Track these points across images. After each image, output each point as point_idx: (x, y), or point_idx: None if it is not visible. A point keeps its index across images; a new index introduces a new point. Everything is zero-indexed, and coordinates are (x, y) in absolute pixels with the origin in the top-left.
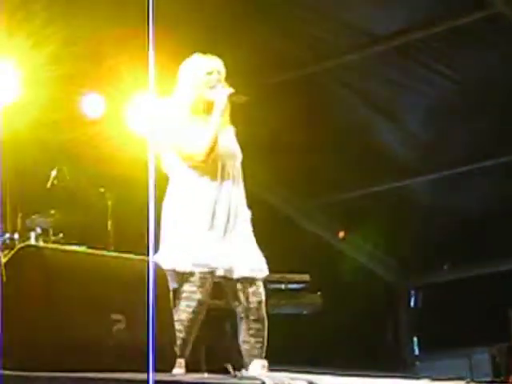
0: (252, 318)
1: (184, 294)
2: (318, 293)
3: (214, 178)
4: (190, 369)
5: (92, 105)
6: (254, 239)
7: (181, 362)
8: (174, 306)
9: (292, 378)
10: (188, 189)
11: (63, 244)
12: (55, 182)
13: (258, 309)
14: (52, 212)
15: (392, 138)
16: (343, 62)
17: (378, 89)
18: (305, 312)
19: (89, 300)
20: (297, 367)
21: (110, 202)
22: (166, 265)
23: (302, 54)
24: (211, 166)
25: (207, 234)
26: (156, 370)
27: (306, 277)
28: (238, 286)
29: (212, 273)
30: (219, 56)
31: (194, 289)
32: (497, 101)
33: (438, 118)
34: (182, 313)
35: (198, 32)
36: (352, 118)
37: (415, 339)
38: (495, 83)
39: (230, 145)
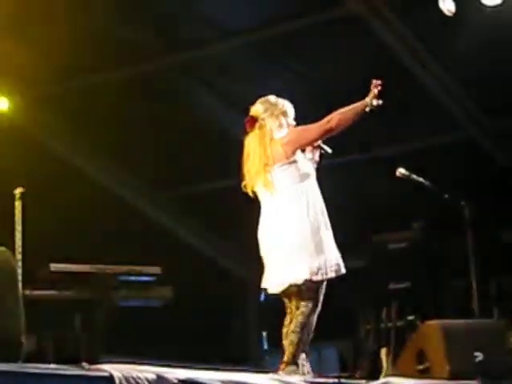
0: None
1: (309, 301)
2: (169, 286)
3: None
4: (36, 359)
5: None
6: None
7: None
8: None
9: (140, 371)
10: (300, 199)
11: None
12: None
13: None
14: None
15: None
16: (197, 55)
17: (232, 83)
18: (155, 305)
19: None
20: (146, 360)
21: None
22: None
23: (152, 45)
24: (308, 170)
25: (329, 236)
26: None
27: (157, 269)
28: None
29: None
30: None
31: (316, 295)
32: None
33: None
34: (301, 315)
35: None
36: (206, 112)
37: (264, 334)
38: (341, 80)
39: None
